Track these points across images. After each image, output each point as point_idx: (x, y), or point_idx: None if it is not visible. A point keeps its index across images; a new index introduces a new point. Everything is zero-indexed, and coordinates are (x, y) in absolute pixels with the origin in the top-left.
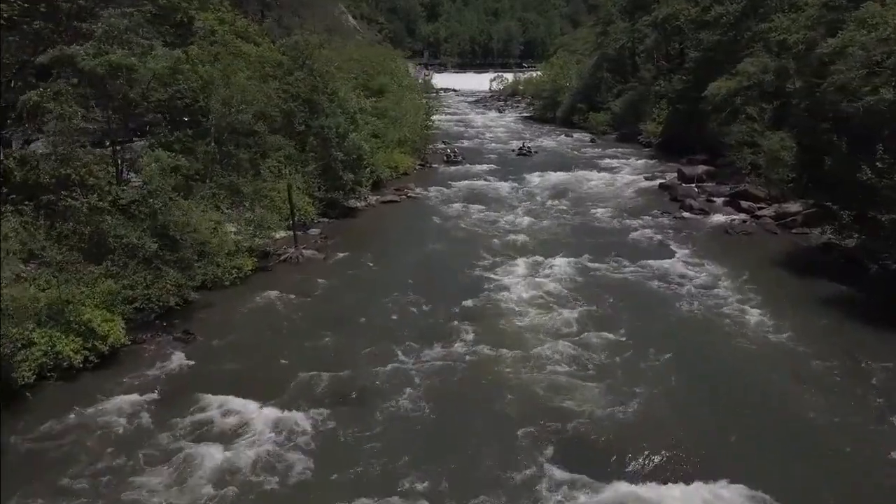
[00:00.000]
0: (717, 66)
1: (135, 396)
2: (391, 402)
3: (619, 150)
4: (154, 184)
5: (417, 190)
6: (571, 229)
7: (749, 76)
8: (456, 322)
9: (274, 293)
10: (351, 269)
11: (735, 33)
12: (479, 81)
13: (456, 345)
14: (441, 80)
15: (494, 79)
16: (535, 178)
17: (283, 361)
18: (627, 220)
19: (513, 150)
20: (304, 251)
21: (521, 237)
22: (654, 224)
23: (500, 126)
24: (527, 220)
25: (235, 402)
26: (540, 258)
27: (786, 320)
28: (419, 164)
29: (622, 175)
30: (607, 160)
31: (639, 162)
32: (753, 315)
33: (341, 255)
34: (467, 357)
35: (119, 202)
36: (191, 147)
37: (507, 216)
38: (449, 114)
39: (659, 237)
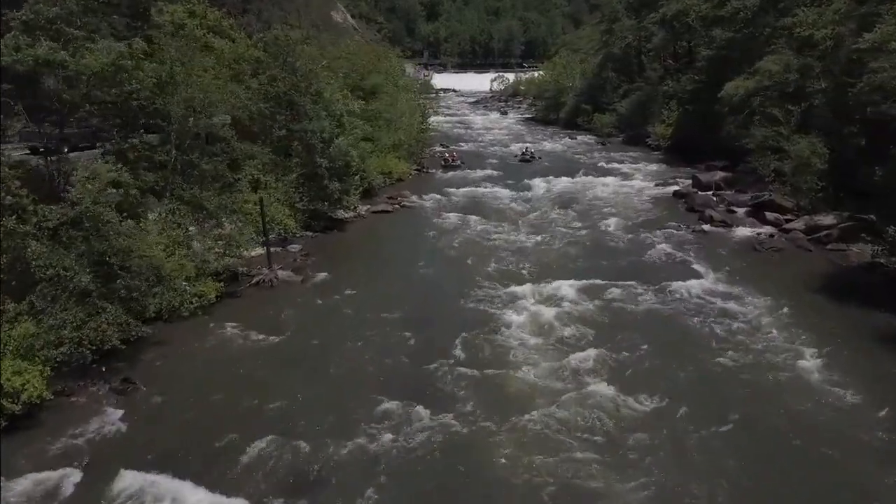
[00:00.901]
0: (732, 64)
1: (46, 474)
2: (355, 494)
3: (627, 153)
4: (85, 203)
5: (412, 198)
6: (580, 247)
7: (770, 75)
8: (447, 375)
9: (238, 328)
10: (330, 295)
11: (752, 30)
12: (480, 82)
13: (445, 412)
14: (441, 80)
15: (495, 79)
16: (538, 185)
17: (233, 426)
18: (643, 235)
19: (515, 156)
20: (279, 272)
21: (525, 256)
22: (672, 239)
23: (502, 128)
24: (531, 234)
25: (168, 485)
26: (546, 284)
27: (846, 369)
28: (415, 170)
29: (632, 181)
30: (615, 165)
31: (649, 167)
32: (807, 362)
33: (321, 276)
34: (457, 430)
35: (45, 225)
36: (148, 156)
37: (508, 230)
38: (448, 115)
39: (679, 255)
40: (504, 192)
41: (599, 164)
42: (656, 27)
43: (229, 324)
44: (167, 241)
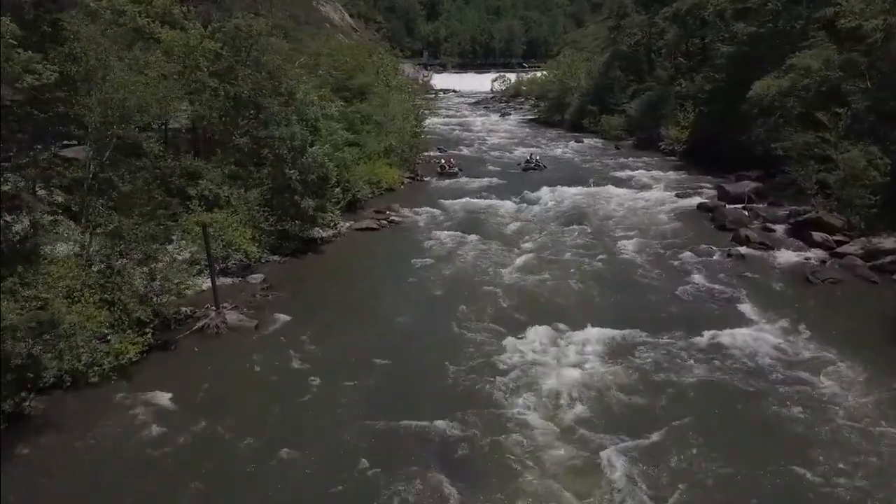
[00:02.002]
0: (757, 62)
1: None
2: None
3: (640, 159)
4: None
5: (402, 212)
6: (597, 279)
7: (807, 72)
8: (427, 490)
9: (158, 401)
10: (286, 350)
11: (783, 23)
12: (480, 82)
13: None
14: (441, 80)
15: (496, 79)
16: (545, 197)
17: None
18: (669, 261)
19: (518, 164)
20: (228, 315)
21: (533, 292)
22: (705, 267)
23: (503, 130)
24: (538, 261)
25: None
26: (560, 330)
27: None
28: (408, 178)
29: (649, 192)
30: (627, 172)
31: (665, 174)
32: None
33: (281, 320)
34: None
35: None
36: (60, 172)
37: (511, 255)
38: (447, 116)
39: (718, 289)
40: (506, 205)
41: (611, 172)
42: (667, 23)
43: (148, 394)
44: (75, 283)
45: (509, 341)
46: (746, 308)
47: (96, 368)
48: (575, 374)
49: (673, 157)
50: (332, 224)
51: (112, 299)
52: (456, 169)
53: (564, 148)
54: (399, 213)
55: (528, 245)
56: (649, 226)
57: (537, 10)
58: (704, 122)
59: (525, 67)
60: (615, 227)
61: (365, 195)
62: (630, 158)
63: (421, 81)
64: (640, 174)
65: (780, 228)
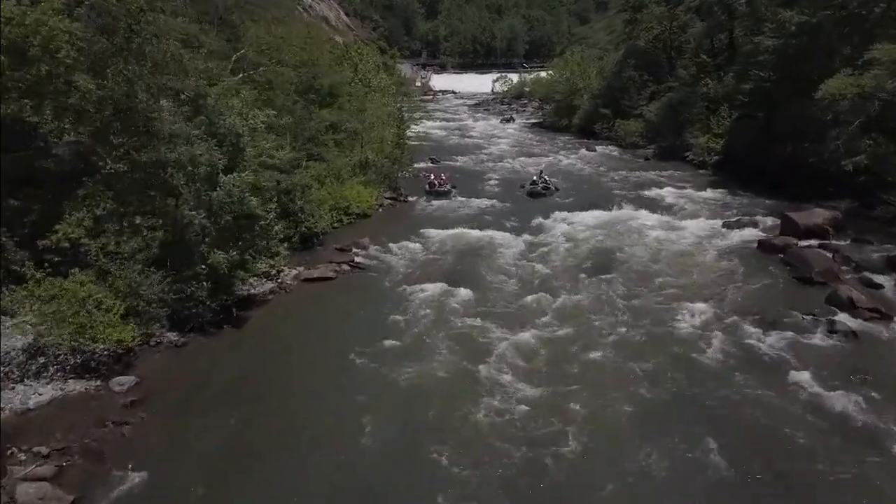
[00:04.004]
0: (814, 57)
1: None
2: None
3: (664, 172)
4: None
5: (373, 249)
6: (640, 381)
7: None
8: None
9: None
10: None
11: (855, 7)
12: (481, 83)
13: None
14: (440, 81)
15: (497, 80)
16: (557, 228)
17: None
18: (745, 340)
19: (521, 187)
20: (19, 487)
21: (545, 404)
22: (801, 352)
23: (505, 136)
24: (551, 339)
25: None
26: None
27: None
28: (389, 199)
29: (688, 220)
30: (655, 191)
31: (700, 194)
32: None
33: (134, 484)
34: None
35: None
36: None
37: (515, 328)
38: (444, 120)
39: (839, 408)
40: (508, 241)
41: (634, 191)
42: (691, 15)
43: None
44: None
45: None
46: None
47: None
48: None
49: (705, 171)
50: (273, 274)
51: None
52: (448, 187)
53: (575, 157)
54: (367, 252)
55: (536, 309)
56: (700, 275)
57: (540, 8)
58: (744, 129)
59: (526, 67)
60: (654, 278)
61: (325, 226)
62: (654, 172)
63: (420, 82)
64: (670, 193)
65: (886, 281)
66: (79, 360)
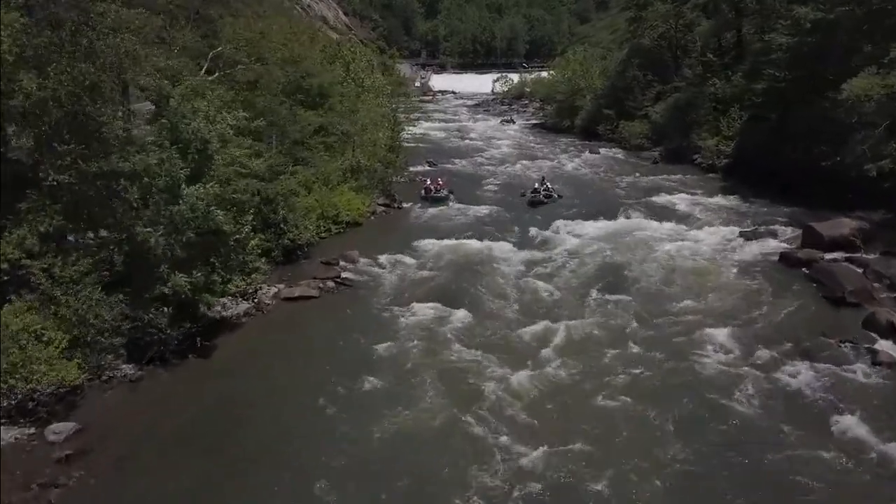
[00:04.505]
0: (832, 56)
1: None
2: None
3: (673, 176)
4: None
5: (362, 263)
6: (666, 423)
7: None
8: None
9: None
10: None
11: (877, 2)
12: (481, 83)
13: None
14: (439, 81)
15: (498, 80)
16: (561, 238)
17: None
18: (780, 377)
19: (522, 195)
20: None
21: (557, 471)
22: (844, 392)
23: (505, 137)
24: (560, 378)
25: None
26: None
27: None
28: (382, 205)
29: (702, 230)
30: (664, 196)
31: (712, 200)
32: None
33: None
34: None
35: None
36: None
37: (516, 362)
38: (443, 121)
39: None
40: (508, 255)
41: (642, 197)
42: (696, 13)
43: None
44: None
45: None
46: None
47: None
48: None
49: (714, 175)
50: (248, 293)
51: None
52: (445, 192)
53: (578, 160)
54: (355, 266)
55: (538, 340)
56: (720, 296)
57: (541, 7)
58: (755, 130)
59: (527, 67)
60: (669, 300)
61: (311, 237)
62: (661, 176)
63: (419, 83)
64: (680, 199)
65: None
66: (13, 403)
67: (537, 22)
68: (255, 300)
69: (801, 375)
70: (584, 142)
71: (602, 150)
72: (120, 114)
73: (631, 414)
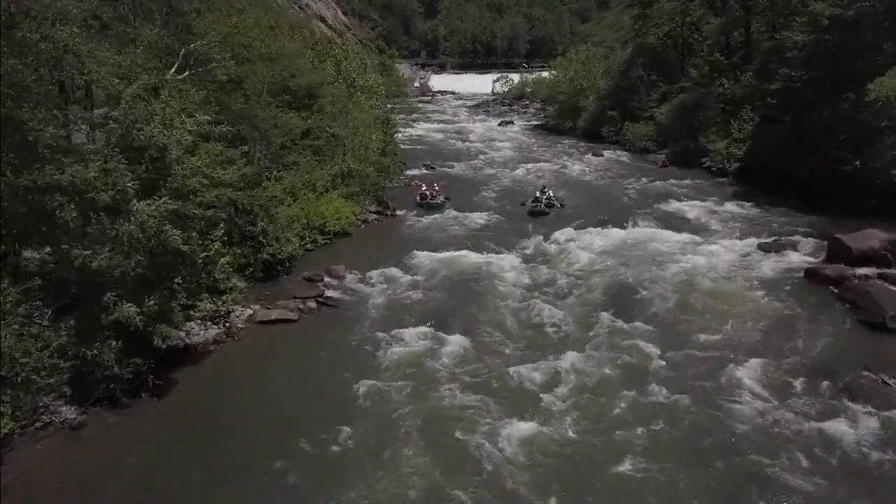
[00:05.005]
0: (853, 54)
1: None
2: None
3: (682, 181)
4: None
5: (348, 278)
6: (699, 485)
7: None
8: None
9: None
10: None
11: None
12: (481, 83)
13: None
14: (439, 81)
15: (498, 80)
16: (565, 250)
17: None
18: (827, 428)
19: (522, 204)
20: None
21: None
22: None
23: (505, 139)
24: (569, 433)
25: None
26: None
27: None
28: (374, 213)
29: (717, 242)
30: (674, 203)
31: (725, 208)
32: None
33: None
34: None
35: None
36: None
37: (517, 409)
38: (442, 122)
39: None
40: (508, 272)
41: (651, 203)
42: (703, 11)
43: None
44: None
45: None
46: None
47: None
48: None
49: (725, 179)
50: (220, 312)
51: None
52: (441, 198)
53: (581, 163)
54: (341, 283)
55: (542, 379)
56: (745, 322)
57: (541, 7)
58: (769, 133)
59: (527, 67)
60: (689, 328)
61: (295, 250)
62: (669, 181)
63: (418, 83)
64: (690, 207)
65: None
66: None
67: (538, 21)
68: (227, 324)
69: (847, 424)
70: (586, 144)
71: (606, 153)
72: (60, 119)
73: (653, 484)
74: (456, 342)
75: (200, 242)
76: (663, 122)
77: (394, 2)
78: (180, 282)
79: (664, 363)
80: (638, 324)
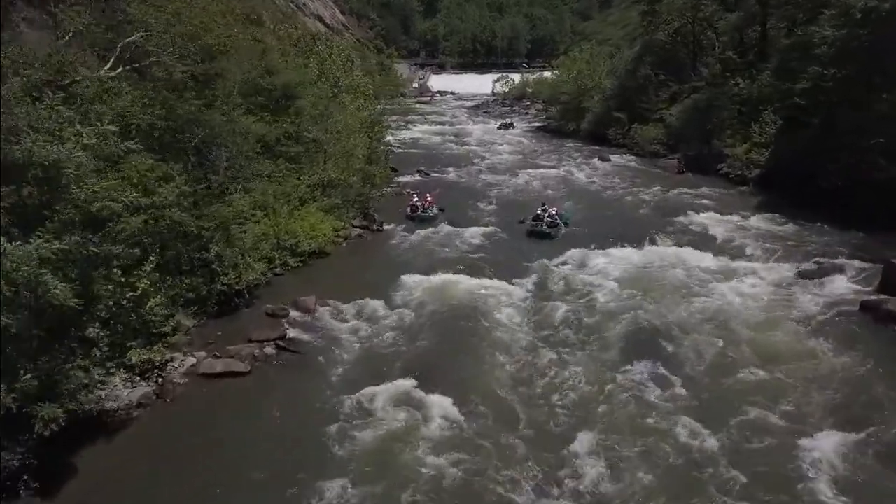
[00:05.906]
0: (889, 51)
1: None
2: None
3: (698, 190)
4: None
5: (317, 312)
6: None
7: None
8: None
9: None
10: None
11: None
12: (481, 83)
13: None
14: (439, 81)
15: (498, 80)
16: (576, 279)
17: None
18: None
19: (521, 222)
20: None
21: None
22: None
23: (505, 142)
24: None
25: None
26: None
27: None
28: (358, 227)
29: (750, 269)
30: (691, 216)
31: (751, 223)
32: None
33: None
34: None
35: None
36: None
37: (520, 496)
38: (440, 123)
39: None
40: (507, 304)
41: (668, 217)
42: (715, 7)
43: None
44: None
45: None
46: None
47: None
48: None
49: (745, 188)
50: (156, 362)
51: None
52: (434, 210)
53: (587, 169)
54: (309, 319)
55: (551, 458)
56: (795, 370)
57: (542, 6)
58: (794, 137)
59: (528, 67)
60: (728, 378)
61: (257, 278)
62: (685, 190)
63: (417, 83)
64: (712, 221)
65: None
66: None
67: (539, 21)
68: (160, 379)
69: None
70: (591, 147)
71: (613, 157)
72: None
73: None
74: (440, 406)
75: (123, 280)
76: (674, 123)
77: (393, 1)
78: (97, 330)
79: (705, 435)
80: (664, 373)
